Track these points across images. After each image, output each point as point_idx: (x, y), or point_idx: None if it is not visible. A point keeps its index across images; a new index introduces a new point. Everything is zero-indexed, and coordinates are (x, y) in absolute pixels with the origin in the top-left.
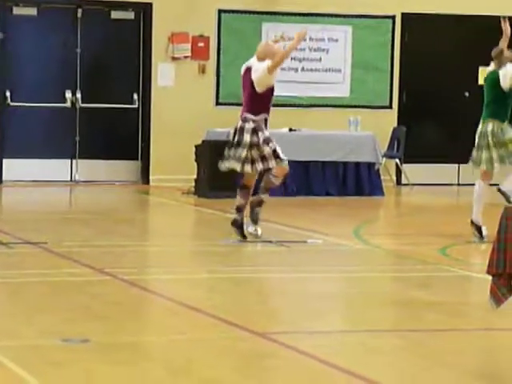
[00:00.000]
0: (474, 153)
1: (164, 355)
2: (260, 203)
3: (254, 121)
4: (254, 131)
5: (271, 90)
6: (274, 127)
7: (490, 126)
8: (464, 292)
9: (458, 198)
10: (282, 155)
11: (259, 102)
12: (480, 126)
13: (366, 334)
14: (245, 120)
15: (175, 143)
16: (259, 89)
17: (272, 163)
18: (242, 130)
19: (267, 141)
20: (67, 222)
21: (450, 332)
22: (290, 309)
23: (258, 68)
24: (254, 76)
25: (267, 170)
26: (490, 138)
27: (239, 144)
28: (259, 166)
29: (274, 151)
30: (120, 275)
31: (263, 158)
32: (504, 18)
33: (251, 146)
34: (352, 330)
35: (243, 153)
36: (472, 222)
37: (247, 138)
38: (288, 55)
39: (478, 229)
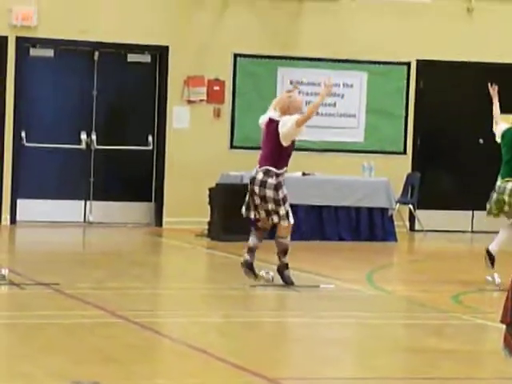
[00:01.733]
0: (493, 205)
1: None
2: (286, 266)
3: (277, 175)
4: (276, 188)
5: (293, 141)
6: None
7: (510, 185)
8: (477, 340)
9: (472, 245)
10: (291, 217)
11: (283, 155)
12: (498, 183)
13: (377, 381)
14: (267, 173)
15: (189, 186)
16: (285, 142)
17: (283, 223)
18: (264, 184)
19: (285, 200)
20: (80, 264)
21: (464, 381)
22: (302, 354)
23: (286, 122)
24: (282, 130)
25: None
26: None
27: (262, 197)
28: (274, 220)
29: (287, 213)
30: (132, 318)
31: (277, 214)
32: (492, 85)
33: (270, 200)
34: (364, 377)
35: (269, 206)
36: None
37: (270, 193)
38: (317, 108)
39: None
